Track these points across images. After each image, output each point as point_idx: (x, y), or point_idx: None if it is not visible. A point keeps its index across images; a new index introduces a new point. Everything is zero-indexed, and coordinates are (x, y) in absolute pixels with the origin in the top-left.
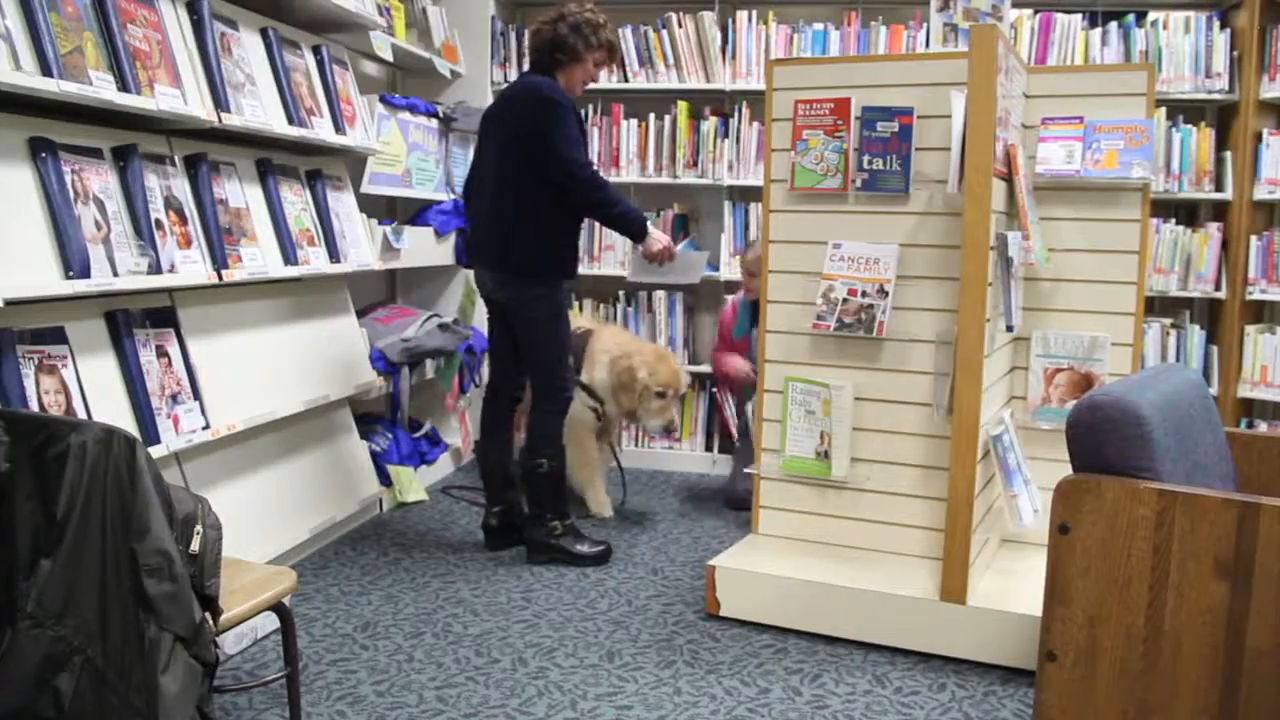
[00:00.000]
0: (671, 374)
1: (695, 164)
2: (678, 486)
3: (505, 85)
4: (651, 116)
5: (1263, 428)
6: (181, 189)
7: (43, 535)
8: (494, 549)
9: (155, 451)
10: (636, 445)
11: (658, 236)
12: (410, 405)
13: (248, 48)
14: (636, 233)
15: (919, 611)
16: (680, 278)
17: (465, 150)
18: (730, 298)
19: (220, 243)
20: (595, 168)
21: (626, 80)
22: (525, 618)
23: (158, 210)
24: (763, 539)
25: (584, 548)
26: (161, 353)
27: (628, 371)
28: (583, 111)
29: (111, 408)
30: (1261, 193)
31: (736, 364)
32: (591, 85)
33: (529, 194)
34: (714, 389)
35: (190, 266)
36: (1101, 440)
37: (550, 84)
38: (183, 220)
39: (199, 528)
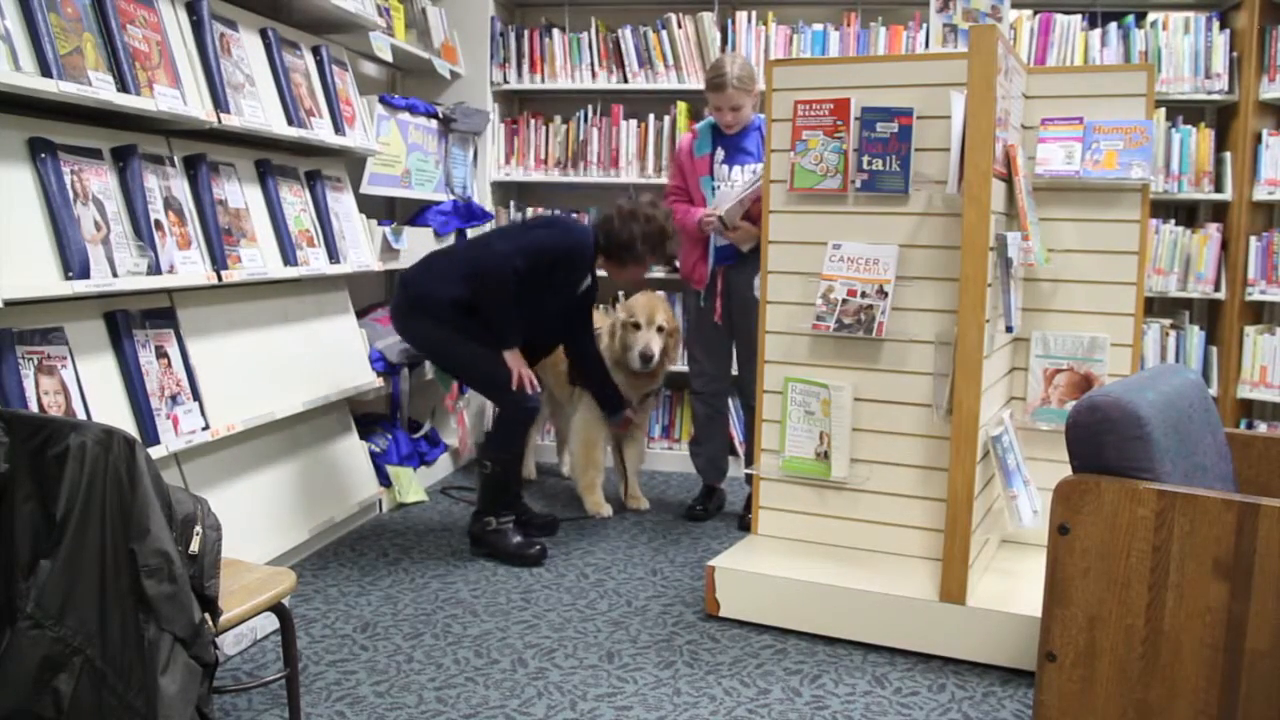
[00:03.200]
0: (645, 304)
1: None
2: (678, 487)
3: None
4: (651, 117)
5: (1262, 428)
6: (181, 190)
7: (42, 536)
8: None
9: (155, 452)
10: None
11: (511, 363)
12: (409, 406)
13: (247, 48)
14: (499, 343)
15: (919, 612)
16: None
17: (465, 151)
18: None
19: (220, 243)
20: (516, 274)
21: (626, 81)
22: (525, 618)
23: (157, 211)
24: (762, 540)
25: (515, 546)
26: (161, 353)
27: (610, 325)
28: (581, 113)
29: (111, 408)
30: (1261, 193)
31: (695, 214)
32: (590, 86)
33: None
34: None
35: (190, 267)
36: (1101, 441)
37: (588, 251)
38: (182, 221)
39: (198, 528)
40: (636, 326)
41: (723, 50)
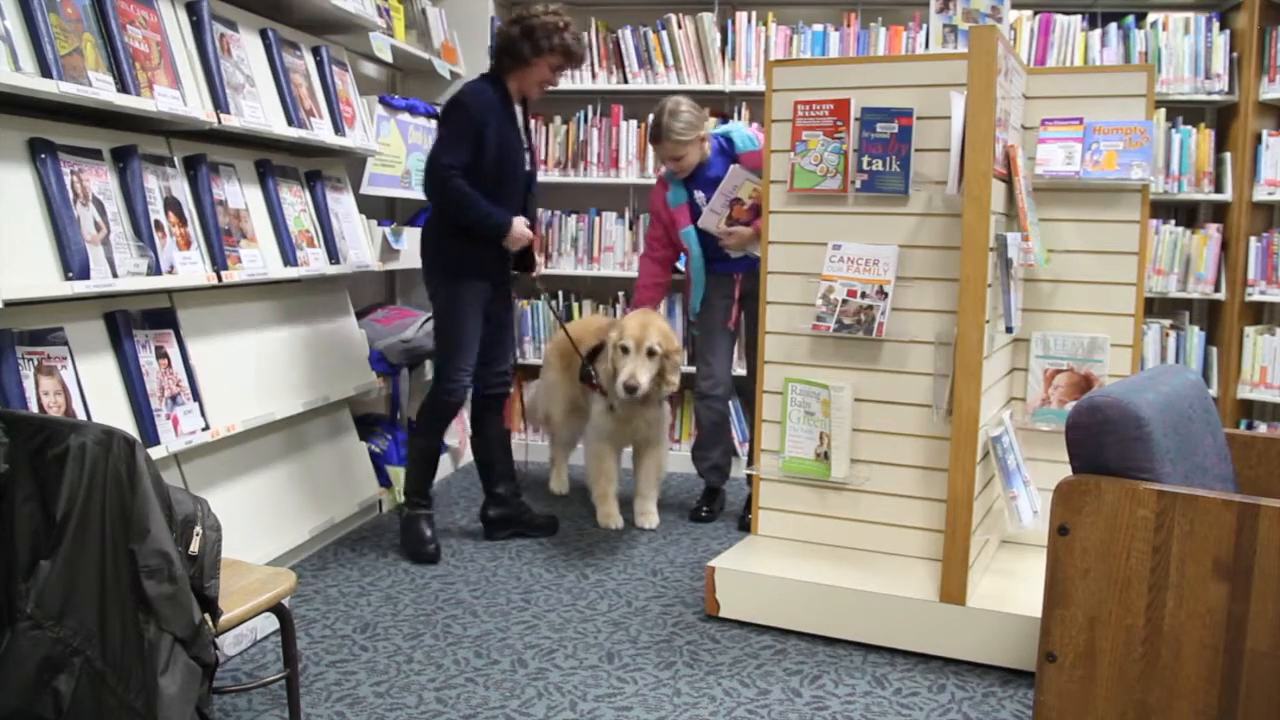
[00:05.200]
0: (636, 327)
1: None
2: (677, 488)
3: None
4: (651, 117)
5: (1262, 429)
6: (181, 190)
7: (42, 536)
8: (489, 538)
9: (155, 453)
10: None
11: (518, 235)
12: (409, 406)
13: (247, 49)
14: (495, 235)
15: (919, 613)
16: (735, 187)
17: None
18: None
19: (220, 244)
20: (455, 172)
21: (626, 81)
22: (525, 619)
23: (157, 211)
24: (762, 540)
25: (414, 540)
26: (161, 354)
27: (605, 337)
28: (581, 113)
29: (111, 409)
30: (1261, 194)
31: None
32: (590, 87)
33: None
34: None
35: (190, 267)
36: (1101, 441)
37: (474, 87)
38: (182, 221)
39: (198, 529)
40: (625, 350)
41: (722, 51)
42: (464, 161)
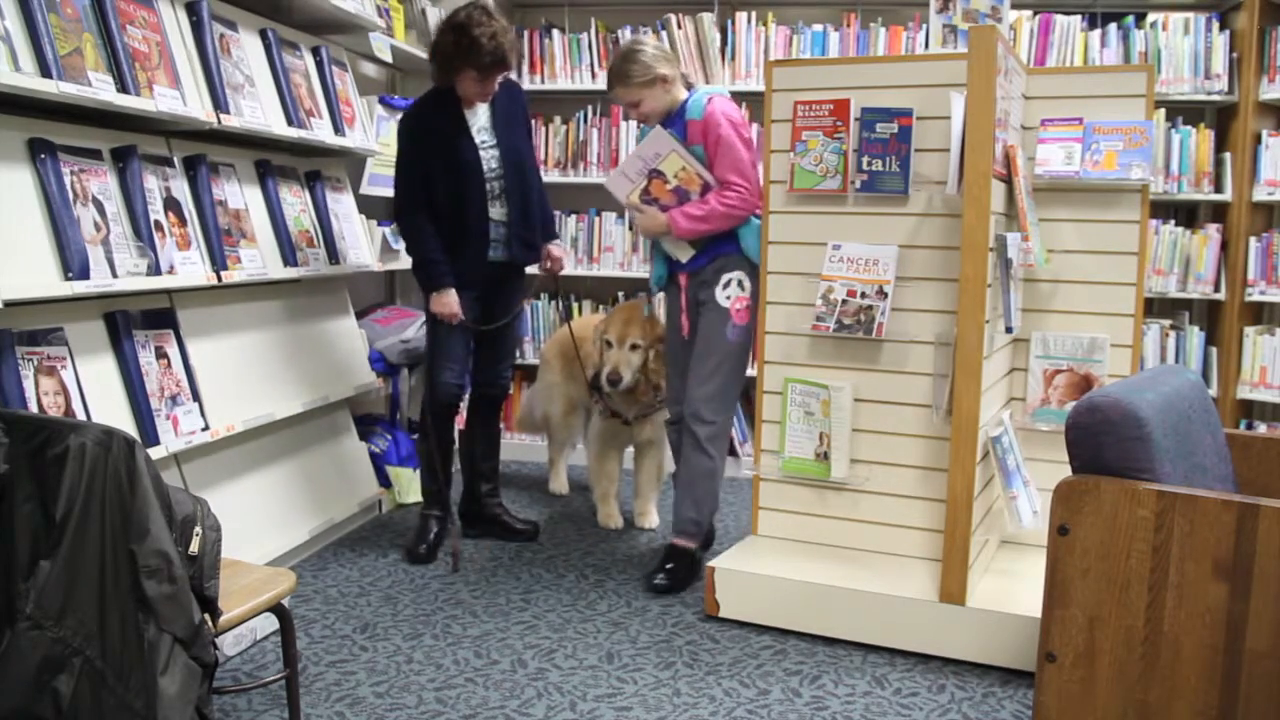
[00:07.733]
0: (620, 321)
1: None
2: None
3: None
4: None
5: (1262, 429)
6: (181, 190)
7: (42, 536)
8: (463, 535)
9: (154, 453)
10: None
11: (441, 302)
12: (409, 406)
13: (247, 49)
14: (424, 288)
15: (918, 613)
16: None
17: None
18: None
19: (219, 244)
20: (408, 209)
21: None
22: (524, 619)
23: (157, 211)
24: (762, 540)
25: (412, 540)
26: (161, 354)
27: (593, 333)
28: (581, 113)
29: (111, 409)
30: (1261, 194)
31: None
32: (590, 87)
33: None
34: None
35: (189, 268)
36: (1101, 442)
37: (409, 109)
38: (182, 221)
39: (198, 529)
40: (610, 344)
41: (722, 51)
42: (414, 193)
